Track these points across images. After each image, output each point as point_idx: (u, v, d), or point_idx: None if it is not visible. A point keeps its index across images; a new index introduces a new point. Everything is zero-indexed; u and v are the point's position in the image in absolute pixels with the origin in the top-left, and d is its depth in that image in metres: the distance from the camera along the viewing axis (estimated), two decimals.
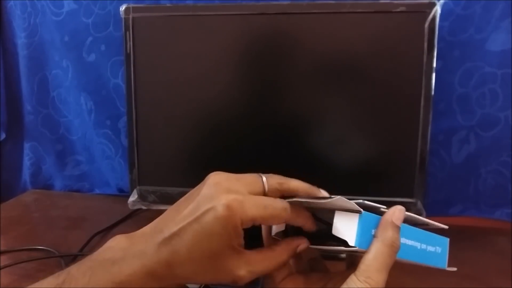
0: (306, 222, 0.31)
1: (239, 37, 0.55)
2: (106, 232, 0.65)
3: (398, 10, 0.51)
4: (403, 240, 0.29)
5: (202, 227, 0.27)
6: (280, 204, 0.29)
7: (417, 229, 0.31)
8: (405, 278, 0.46)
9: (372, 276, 0.27)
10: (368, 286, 0.26)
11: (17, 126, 0.88)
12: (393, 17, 0.51)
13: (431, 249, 0.31)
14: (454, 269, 0.32)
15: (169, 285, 0.28)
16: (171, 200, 0.58)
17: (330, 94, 0.54)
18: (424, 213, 0.53)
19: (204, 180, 0.31)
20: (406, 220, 0.30)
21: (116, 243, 0.29)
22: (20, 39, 0.82)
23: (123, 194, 0.82)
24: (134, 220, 0.71)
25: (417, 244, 0.30)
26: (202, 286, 0.46)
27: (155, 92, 0.57)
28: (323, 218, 0.31)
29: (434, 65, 0.51)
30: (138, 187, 0.59)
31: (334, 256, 0.45)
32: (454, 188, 0.68)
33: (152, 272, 0.27)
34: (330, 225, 0.29)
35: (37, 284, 0.28)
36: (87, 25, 0.75)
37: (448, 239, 0.32)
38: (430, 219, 0.32)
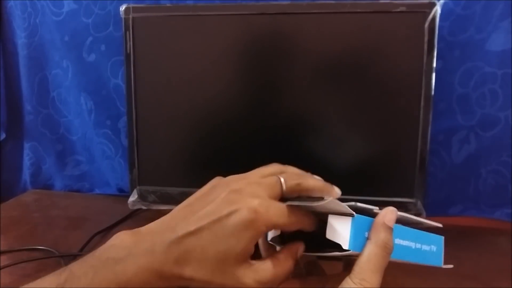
0: (311, 226, 0.31)
1: (239, 37, 0.55)
2: (106, 232, 0.65)
3: (398, 10, 0.51)
4: (397, 241, 0.29)
5: (224, 228, 0.27)
6: (301, 212, 0.30)
7: (410, 229, 0.31)
8: (405, 278, 0.46)
9: (366, 278, 0.27)
10: (363, 287, 0.26)
11: (17, 126, 0.88)
12: (393, 17, 0.51)
13: (426, 248, 0.31)
14: (451, 266, 0.32)
15: (175, 285, 0.27)
16: (171, 200, 0.59)
17: (330, 94, 0.54)
18: (424, 213, 0.53)
19: (215, 182, 0.31)
20: (400, 221, 0.30)
21: (120, 241, 0.28)
22: (20, 39, 0.82)
23: (123, 194, 0.81)
24: (134, 220, 0.71)
25: (412, 244, 0.30)
26: None
27: (155, 92, 0.57)
28: (323, 219, 0.31)
29: (434, 65, 0.51)
30: (138, 187, 0.59)
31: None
32: (454, 188, 0.68)
33: (159, 271, 0.27)
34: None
35: (38, 282, 0.28)
36: (87, 25, 0.75)
37: (442, 237, 0.32)
38: (428, 219, 0.32)
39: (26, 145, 0.88)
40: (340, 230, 0.28)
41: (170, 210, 0.31)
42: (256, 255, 0.30)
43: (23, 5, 0.79)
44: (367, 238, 0.28)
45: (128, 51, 0.57)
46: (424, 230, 0.32)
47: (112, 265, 0.27)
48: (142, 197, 0.59)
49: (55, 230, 0.68)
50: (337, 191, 0.33)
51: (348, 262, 0.34)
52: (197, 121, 0.57)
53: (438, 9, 0.50)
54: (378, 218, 0.29)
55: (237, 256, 0.27)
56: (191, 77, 0.56)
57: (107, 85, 0.77)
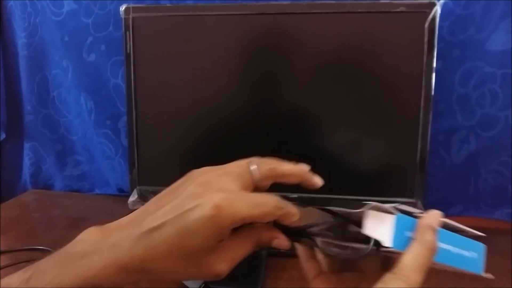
0: (295, 221, 0.30)
1: (239, 37, 0.55)
2: None
3: (398, 10, 0.51)
4: (439, 244, 0.29)
5: (186, 224, 0.26)
6: (272, 202, 0.28)
7: (452, 233, 0.31)
8: None
9: (410, 276, 0.27)
10: (406, 285, 0.26)
11: (17, 126, 0.88)
12: (393, 17, 0.51)
13: (467, 254, 0.31)
14: (492, 277, 0.32)
15: (143, 279, 0.27)
16: None
17: (330, 94, 0.54)
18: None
19: (188, 175, 0.30)
20: (443, 226, 0.30)
21: (88, 236, 0.28)
22: (20, 39, 0.82)
23: (123, 194, 0.81)
24: None
25: (453, 249, 0.30)
26: (202, 285, 0.46)
27: (155, 92, 0.57)
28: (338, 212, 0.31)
29: (434, 65, 0.51)
30: (138, 187, 0.59)
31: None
32: (454, 188, 0.68)
33: (125, 266, 0.26)
34: (342, 219, 0.29)
35: (5, 279, 0.27)
36: (87, 25, 0.75)
37: (484, 245, 0.32)
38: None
39: (26, 145, 0.88)
40: (382, 227, 0.28)
41: None
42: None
43: (23, 5, 0.79)
44: (411, 238, 0.28)
45: (128, 51, 0.57)
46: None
47: (77, 260, 0.26)
48: (142, 197, 0.59)
49: (55, 230, 0.68)
50: (317, 180, 0.32)
51: (386, 262, 0.33)
52: (197, 121, 0.57)
53: (438, 9, 0.50)
54: (424, 219, 0.29)
55: (205, 249, 0.27)
56: (191, 77, 0.56)
57: (107, 85, 0.77)
